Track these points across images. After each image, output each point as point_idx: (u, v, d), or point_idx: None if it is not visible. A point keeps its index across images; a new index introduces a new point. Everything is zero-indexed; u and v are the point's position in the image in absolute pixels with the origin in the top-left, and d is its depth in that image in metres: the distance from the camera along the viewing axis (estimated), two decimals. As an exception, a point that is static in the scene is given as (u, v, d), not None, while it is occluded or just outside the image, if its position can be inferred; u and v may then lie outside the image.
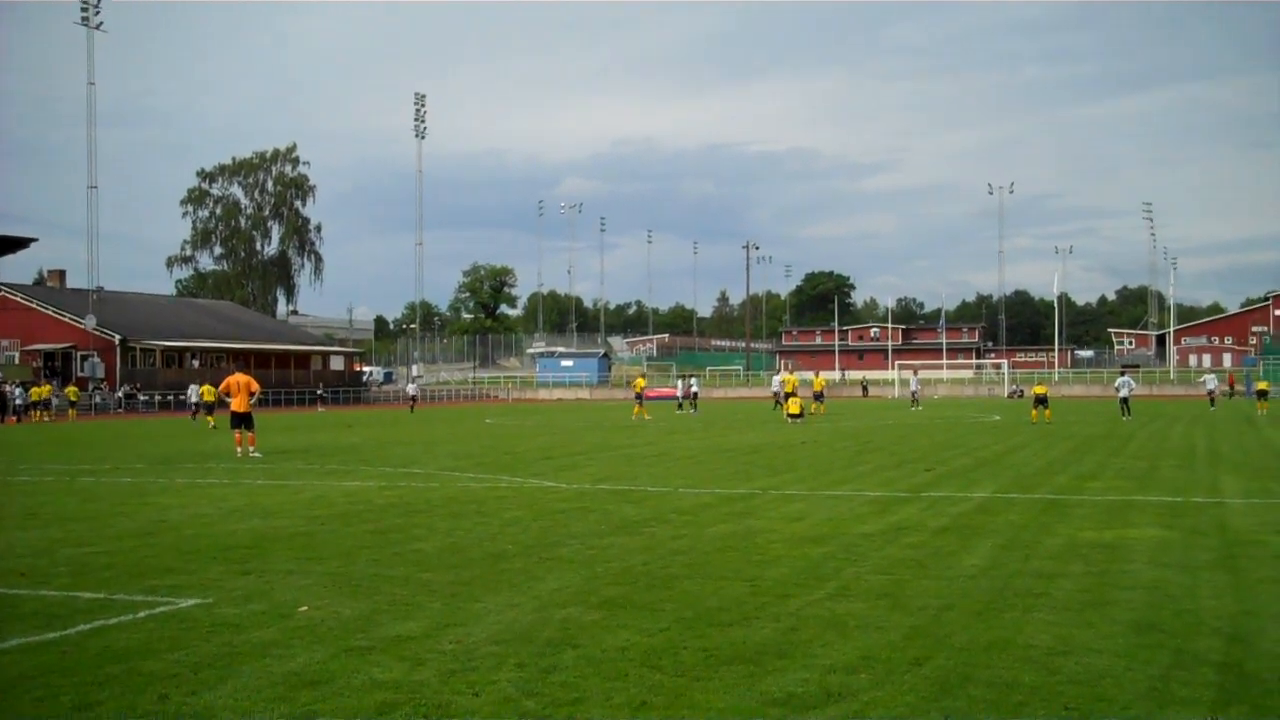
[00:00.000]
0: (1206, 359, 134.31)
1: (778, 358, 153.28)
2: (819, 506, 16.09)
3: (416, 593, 9.92)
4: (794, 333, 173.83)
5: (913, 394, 67.04)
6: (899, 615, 8.80)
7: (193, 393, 58.32)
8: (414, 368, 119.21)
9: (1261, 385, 55.20)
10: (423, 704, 6.61)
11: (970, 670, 7.19)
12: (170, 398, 77.71)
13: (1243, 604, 9.14)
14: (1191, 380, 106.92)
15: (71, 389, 64.72)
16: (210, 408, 48.29)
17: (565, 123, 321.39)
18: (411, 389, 79.84)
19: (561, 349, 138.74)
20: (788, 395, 47.61)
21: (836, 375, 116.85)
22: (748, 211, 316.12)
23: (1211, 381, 61.64)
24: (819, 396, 53.09)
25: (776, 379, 66.27)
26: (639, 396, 53.55)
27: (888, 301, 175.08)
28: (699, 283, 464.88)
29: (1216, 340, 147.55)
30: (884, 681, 6.97)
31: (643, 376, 62.75)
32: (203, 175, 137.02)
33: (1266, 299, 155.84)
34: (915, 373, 76.88)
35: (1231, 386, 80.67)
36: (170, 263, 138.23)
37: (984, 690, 6.76)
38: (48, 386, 63.81)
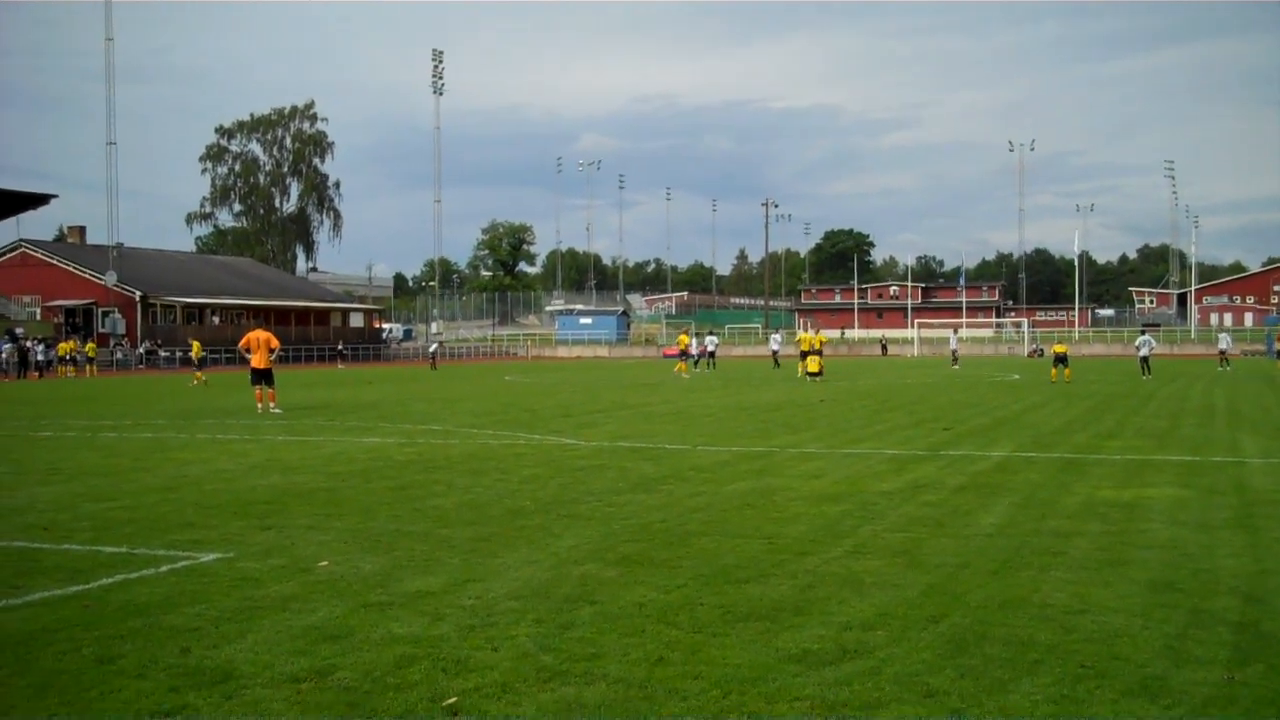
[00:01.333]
0: (1228, 318, 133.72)
1: (796, 315, 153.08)
2: (837, 465, 16.10)
3: (436, 548, 9.98)
4: (813, 291, 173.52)
5: (953, 352, 66.54)
6: (915, 573, 8.82)
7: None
8: (433, 325, 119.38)
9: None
10: (441, 658, 6.67)
11: (986, 628, 7.21)
12: (191, 354, 77.98)
13: (1260, 563, 9.14)
14: (1212, 339, 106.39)
15: (90, 345, 64.92)
16: (201, 363, 49.61)
17: (584, 79, 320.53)
18: (432, 346, 79.61)
19: (580, 306, 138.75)
20: (804, 353, 47.51)
21: (835, 334, 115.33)
22: (768, 169, 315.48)
23: (1225, 341, 60.84)
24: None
25: (774, 338, 65.54)
26: (684, 354, 53.82)
27: (907, 260, 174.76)
28: (718, 240, 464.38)
29: (1238, 299, 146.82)
30: (900, 639, 7.00)
31: (686, 333, 61.82)
32: (221, 131, 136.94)
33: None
34: (955, 330, 76.11)
35: None
36: (190, 219, 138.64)
37: (999, 648, 6.78)
38: (72, 342, 64.09)
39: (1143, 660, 6.53)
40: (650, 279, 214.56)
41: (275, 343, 28.86)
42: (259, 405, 27.94)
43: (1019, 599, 7.96)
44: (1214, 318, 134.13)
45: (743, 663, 6.54)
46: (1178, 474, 14.79)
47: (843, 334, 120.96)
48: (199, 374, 47.92)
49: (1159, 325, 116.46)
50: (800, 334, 58.05)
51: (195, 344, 52.05)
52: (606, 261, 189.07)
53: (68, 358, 60.34)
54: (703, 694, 6.02)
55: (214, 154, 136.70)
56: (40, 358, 60.39)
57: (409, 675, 6.38)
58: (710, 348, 61.28)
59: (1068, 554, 9.53)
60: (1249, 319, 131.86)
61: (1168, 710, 5.71)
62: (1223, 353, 59.18)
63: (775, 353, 62.20)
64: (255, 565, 9.31)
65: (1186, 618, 7.45)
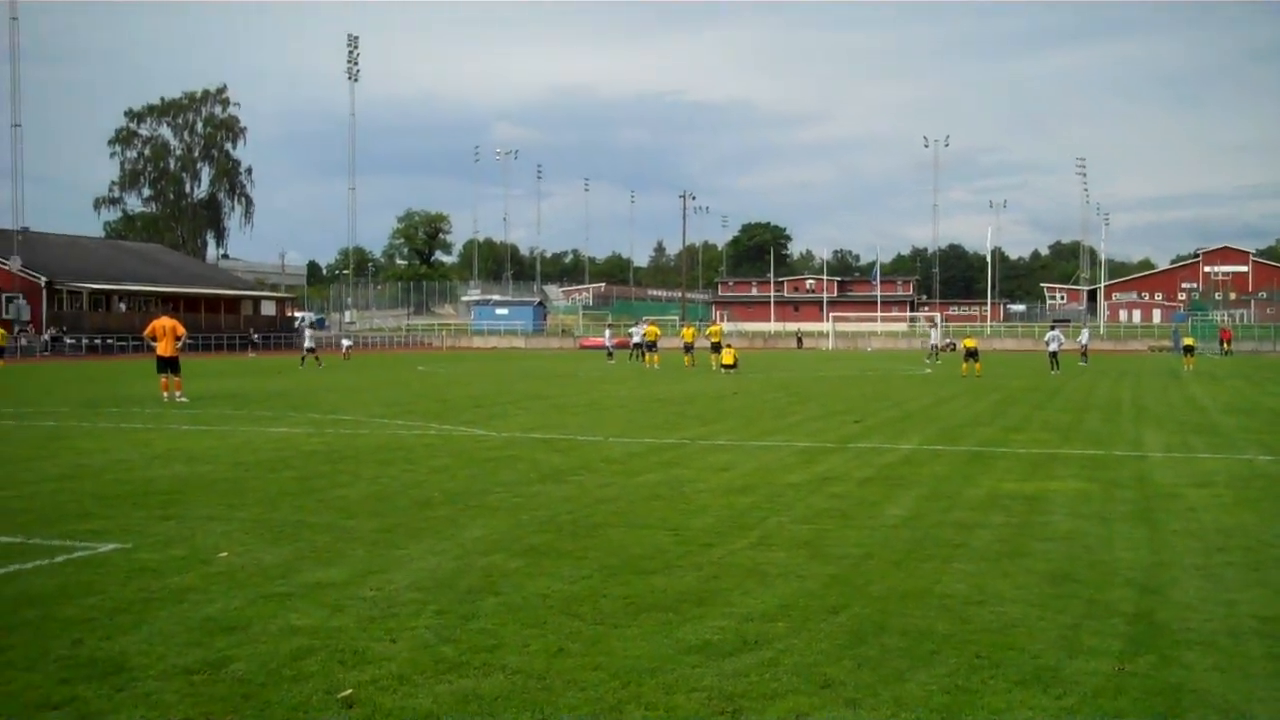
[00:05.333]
0: (1136, 315, 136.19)
1: (714, 308, 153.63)
2: (747, 456, 16.16)
3: (339, 540, 9.87)
4: (730, 283, 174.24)
5: (934, 347, 62.87)
6: (819, 564, 8.87)
7: (307, 337, 57.74)
8: (347, 314, 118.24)
9: (1188, 341, 56.06)
10: (339, 650, 6.59)
11: (885, 619, 7.26)
12: (99, 341, 76.76)
13: (1157, 556, 9.29)
14: (1120, 336, 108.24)
15: (-1, 332, 63.21)
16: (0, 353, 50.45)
17: (498, 69, 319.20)
18: (345, 342, 74.94)
19: (497, 296, 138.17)
20: (715, 346, 47.58)
21: (729, 326, 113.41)
22: (684, 161, 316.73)
23: (1056, 340, 48.70)
24: (673, 347, 49.68)
25: (637, 330, 60.63)
26: (716, 346, 47.62)
27: (823, 253, 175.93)
28: (636, 232, 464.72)
29: (1146, 296, 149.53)
30: (800, 629, 7.03)
31: (718, 323, 57.88)
32: (130, 115, 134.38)
33: (1196, 255, 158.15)
34: (934, 324, 73.65)
35: (1224, 343, 75.49)
36: (97, 204, 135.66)
37: (897, 639, 6.83)
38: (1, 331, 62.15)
39: (1036, 650, 6.61)
40: (568, 270, 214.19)
41: (182, 330, 28.50)
42: (165, 394, 27.53)
43: (920, 590, 8.03)
44: (1123, 314, 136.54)
45: (642, 654, 6.54)
46: (1081, 467, 15.01)
47: (717, 319, 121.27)
48: None
49: (1069, 321, 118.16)
50: (711, 326, 57.71)
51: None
52: (524, 252, 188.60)
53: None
54: (601, 685, 6.01)
55: (123, 138, 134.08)
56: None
57: (305, 667, 6.30)
58: (634, 338, 58.58)
59: (969, 545, 9.63)
60: (1157, 315, 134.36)
61: (1058, 700, 5.78)
62: (1054, 355, 46.99)
63: (640, 344, 56.69)
64: (153, 556, 9.15)
65: (1082, 608, 7.56)
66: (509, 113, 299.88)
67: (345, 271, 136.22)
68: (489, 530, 10.36)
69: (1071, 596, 7.87)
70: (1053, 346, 46.92)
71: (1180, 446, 17.65)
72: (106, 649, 6.63)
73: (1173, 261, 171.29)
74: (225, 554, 9.22)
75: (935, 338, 64.44)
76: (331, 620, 7.24)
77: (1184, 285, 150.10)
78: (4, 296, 78.67)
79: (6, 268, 77.90)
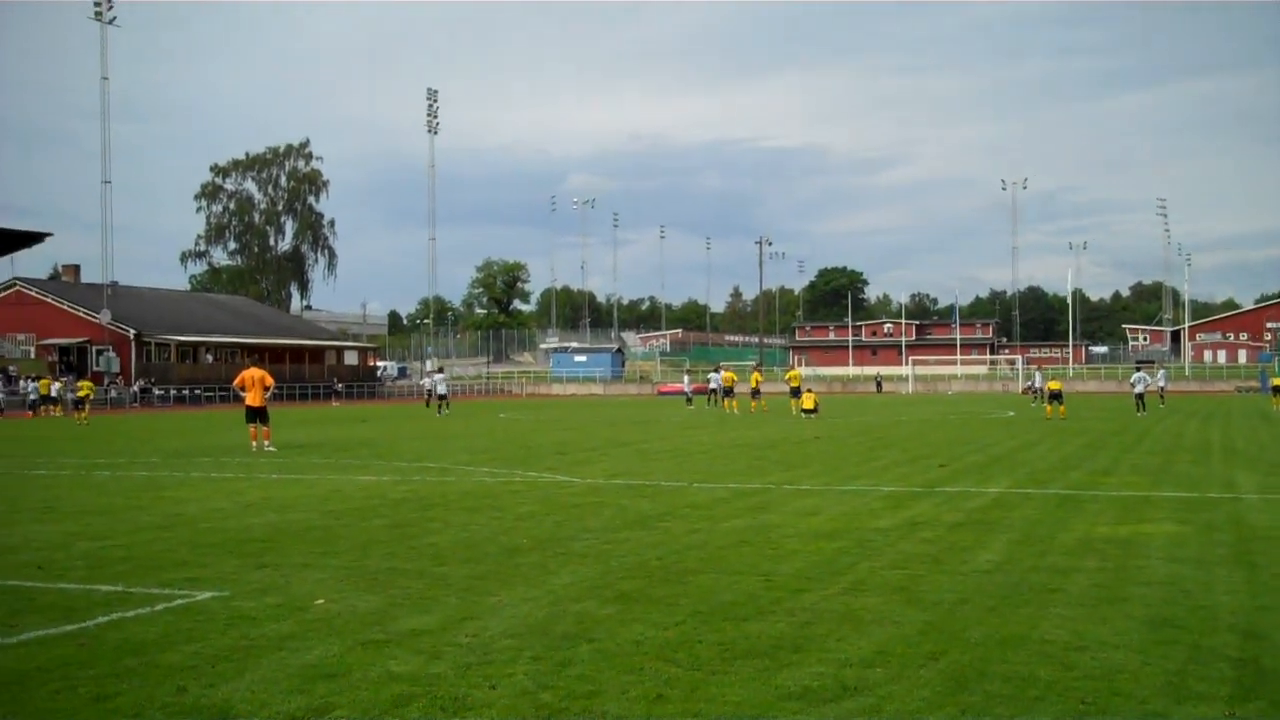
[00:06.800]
0: (1222, 355, 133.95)
1: (791, 353, 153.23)
2: (833, 501, 16.07)
3: (432, 586, 9.94)
4: (807, 328, 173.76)
5: (1034, 389, 60.37)
6: (914, 610, 8.80)
7: (434, 382, 58.49)
8: (428, 363, 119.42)
9: (1277, 381, 55.03)
10: (439, 697, 6.63)
11: (986, 665, 7.18)
12: (185, 392, 78.02)
13: (1258, 600, 9.12)
14: (1206, 377, 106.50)
15: (86, 384, 64.42)
16: (80, 404, 50.49)
17: (575, 118, 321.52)
18: (439, 386, 69.01)
19: (575, 344, 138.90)
20: (794, 390, 47.36)
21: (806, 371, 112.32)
22: (760, 207, 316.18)
23: (1142, 382, 48.26)
24: (741, 393, 49.62)
25: (714, 376, 59.81)
26: (795, 391, 47.60)
27: (901, 297, 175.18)
28: (712, 278, 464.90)
29: (1231, 336, 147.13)
30: (899, 676, 6.97)
31: (796, 369, 58.85)
32: (216, 170, 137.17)
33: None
34: (1039, 366, 73.73)
35: None
36: (184, 257, 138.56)
37: (1000, 685, 6.75)
38: (60, 381, 63.56)
39: (1143, 696, 6.50)
40: (645, 316, 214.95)
41: (270, 381, 28.94)
42: (253, 443, 27.91)
43: (1018, 636, 7.93)
44: (1208, 355, 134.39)
45: (742, 700, 6.52)
46: (1174, 510, 14.77)
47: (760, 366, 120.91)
48: (83, 414, 49.35)
49: (1153, 362, 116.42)
50: (790, 371, 57.35)
51: (86, 384, 53.07)
52: (601, 299, 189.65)
53: (54, 396, 59.70)
54: (702, 732, 5.99)
55: (209, 192, 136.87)
56: (33, 397, 60.08)
57: (407, 714, 6.34)
58: (713, 384, 58.49)
59: (1066, 590, 9.51)
60: (1243, 356, 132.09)
61: (1169, 747, 5.69)
62: (1140, 396, 46.77)
63: (716, 390, 57.27)
64: (251, 604, 9.27)
65: (1186, 654, 7.43)
66: (584, 162, 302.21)
67: (426, 321, 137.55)
68: (579, 577, 10.39)
69: (1174, 642, 7.74)
70: (1139, 388, 46.36)
71: (1276, 488, 17.31)
72: (211, 696, 6.72)
73: (1258, 301, 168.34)
74: (321, 601, 9.32)
75: (1038, 380, 63.21)
76: (430, 667, 7.29)
77: (1270, 324, 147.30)
78: (93, 349, 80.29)
79: (97, 321, 79.50)
